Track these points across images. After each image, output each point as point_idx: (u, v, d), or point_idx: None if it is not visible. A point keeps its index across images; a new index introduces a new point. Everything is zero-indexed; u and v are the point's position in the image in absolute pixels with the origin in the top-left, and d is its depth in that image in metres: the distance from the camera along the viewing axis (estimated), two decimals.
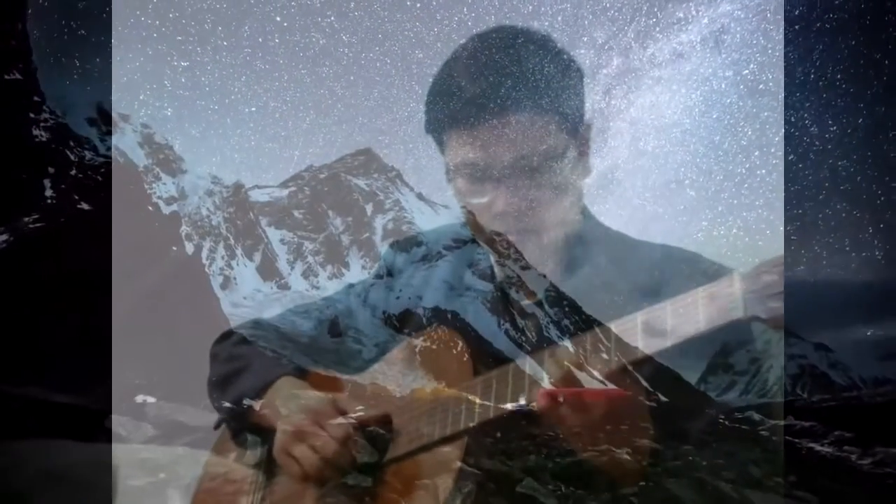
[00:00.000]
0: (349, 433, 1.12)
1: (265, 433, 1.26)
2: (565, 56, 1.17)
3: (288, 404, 1.21)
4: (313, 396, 1.20)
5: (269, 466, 1.31)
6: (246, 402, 1.30)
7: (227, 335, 1.43)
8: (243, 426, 1.31)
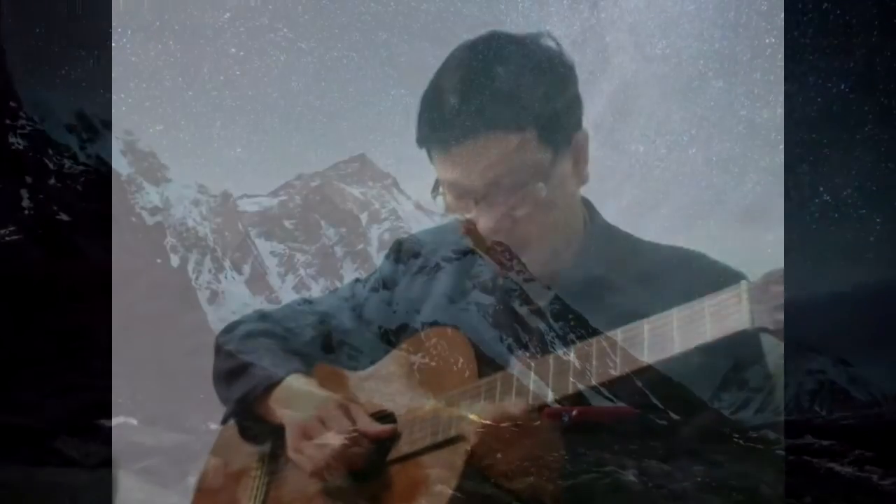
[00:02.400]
0: (356, 432, 1.14)
1: (273, 428, 1.29)
2: (556, 62, 1.18)
3: (297, 403, 1.24)
4: (321, 395, 1.23)
5: (273, 462, 1.34)
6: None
7: (234, 327, 1.46)
8: (251, 420, 1.34)
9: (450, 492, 1.04)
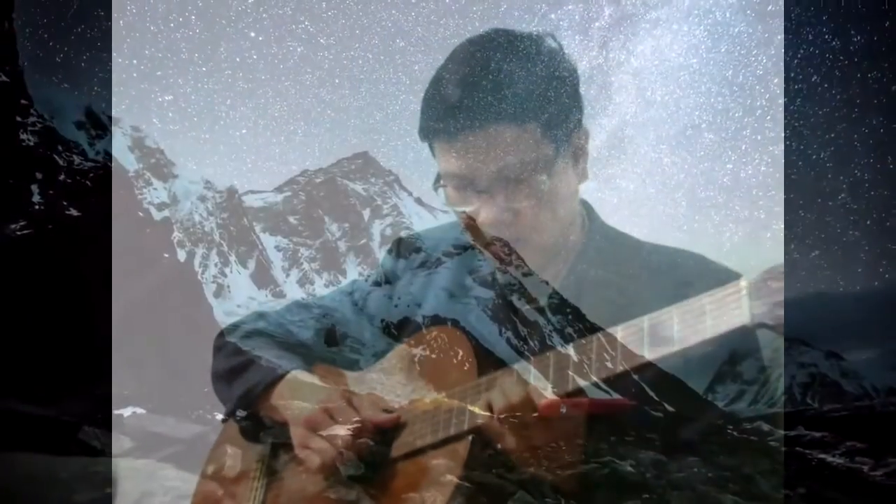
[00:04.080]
0: (363, 423, 1.14)
1: (274, 426, 1.28)
2: (558, 63, 1.18)
3: (301, 398, 1.24)
4: (325, 389, 1.23)
5: (273, 461, 1.33)
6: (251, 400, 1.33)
7: (234, 328, 1.45)
8: (252, 419, 1.33)
9: (455, 481, 1.04)
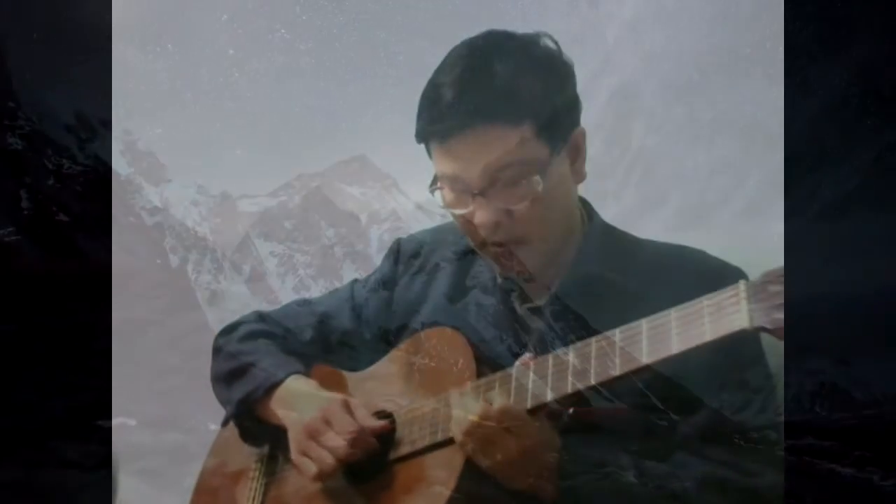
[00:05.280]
0: (360, 432, 1.15)
1: (274, 430, 1.30)
2: (553, 61, 1.18)
3: (300, 404, 1.24)
4: (323, 396, 1.24)
5: (272, 463, 1.35)
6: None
7: (232, 328, 1.46)
8: (251, 423, 1.35)
9: (448, 493, 1.04)
